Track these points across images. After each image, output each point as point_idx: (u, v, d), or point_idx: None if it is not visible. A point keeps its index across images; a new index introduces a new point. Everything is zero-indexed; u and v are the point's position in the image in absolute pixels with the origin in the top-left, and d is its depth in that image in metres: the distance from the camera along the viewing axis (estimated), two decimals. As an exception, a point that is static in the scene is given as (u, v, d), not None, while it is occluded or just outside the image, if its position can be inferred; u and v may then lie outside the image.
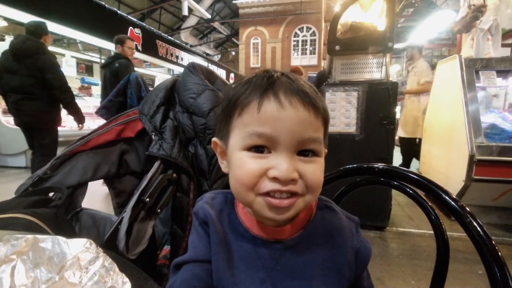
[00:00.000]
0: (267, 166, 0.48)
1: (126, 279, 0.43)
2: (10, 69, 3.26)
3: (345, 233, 0.56)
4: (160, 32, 11.31)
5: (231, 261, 0.54)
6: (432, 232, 0.78)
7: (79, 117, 3.62)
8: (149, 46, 9.47)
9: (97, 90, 10.50)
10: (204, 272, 0.54)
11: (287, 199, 0.48)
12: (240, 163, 0.51)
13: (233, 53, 25.48)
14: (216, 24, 20.77)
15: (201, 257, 0.55)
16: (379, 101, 2.73)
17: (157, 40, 10.10)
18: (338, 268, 0.54)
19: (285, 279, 0.52)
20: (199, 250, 0.56)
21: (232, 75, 17.69)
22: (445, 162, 3.48)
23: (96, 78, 13.53)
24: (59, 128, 6.09)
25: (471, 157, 2.79)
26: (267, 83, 0.50)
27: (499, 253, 0.57)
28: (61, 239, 0.45)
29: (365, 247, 0.57)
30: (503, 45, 3.81)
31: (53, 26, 5.96)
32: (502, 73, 3.25)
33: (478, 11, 3.37)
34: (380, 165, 0.82)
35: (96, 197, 1.26)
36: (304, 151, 0.50)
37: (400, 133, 5.04)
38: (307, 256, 0.54)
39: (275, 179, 0.47)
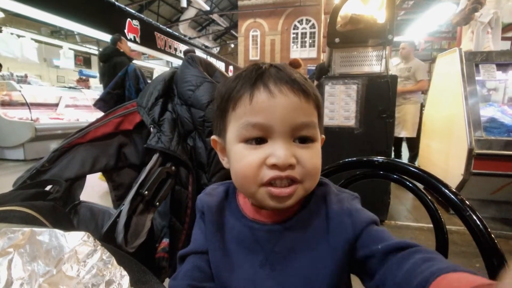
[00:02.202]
0: (264, 155, 0.49)
1: (125, 273, 0.43)
2: (101, 72, 4.26)
3: (334, 201, 0.55)
4: (158, 24, 11.22)
5: (228, 248, 0.56)
6: (430, 225, 0.78)
7: None
8: (148, 38, 9.39)
9: (95, 83, 10.45)
10: (204, 263, 0.57)
11: (288, 187, 0.49)
12: (238, 156, 0.52)
13: (232, 45, 25.35)
14: (215, 16, 20.60)
15: (201, 249, 0.58)
16: (379, 94, 2.72)
17: (155, 32, 10.02)
18: (332, 234, 0.52)
19: (284, 260, 0.53)
20: (199, 241, 0.59)
21: (231, 67, 17.62)
22: (444, 156, 3.48)
23: (94, 71, 13.45)
24: (57, 121, 6.11)
25: (470, 150, 2.79)
26: (256, 75, 0.51)
27: (498, 247, 0.57)
28: (58, 232, 0.45)
29: (363, 211, 0.54)
30: (503, 39, 3.79)
31: (50, 18, 5.93)
32: (502, 67, 3.24)
33: (477, 3, 3.34)
34: (379, 158, 0.82)
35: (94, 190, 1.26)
36: (299, 138, 0.51)
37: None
38: (305, 233, 0.54)
39: (274, 166, 0.48)
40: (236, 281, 0.53)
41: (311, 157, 0.51)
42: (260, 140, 0.50)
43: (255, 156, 0.50)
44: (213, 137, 0.60)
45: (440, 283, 0.37)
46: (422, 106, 4.75)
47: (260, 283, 0.52)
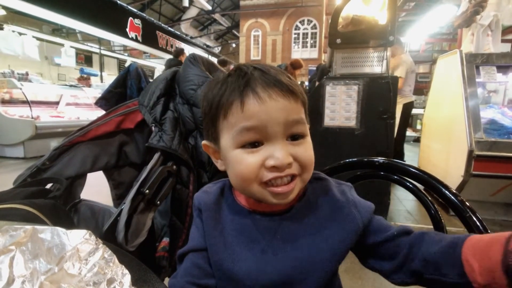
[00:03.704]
0: (263, 157, 0.51)
1: (126, 271, 0.43)
2: None
3: (335, 194, 0.59)
4: (160, 23, 11.22)
5: (229, 241, 0.57)
6: (430, 226, 0.78)
7: None
8: (149, 37, 9.40)
9: (96, 81, 10.45)
10: (202, 260, 0.59)
11: (288, 185, 0.52)
12: (237, 160, 0.53)
13: (234, 45, 25.34)
14: (216, 16, 20.58)
15: (198, 246, 0.60)
16: (380, 95, 2.72)
17: (157, 31, 10.02)
18: (340, 224, 0.56)
19: (285, 246, 0.55)
20: (196, 240, 0.60)
21: (232, 67, 17.59)
22: (444, 157, 3.48)
23: (95, 69, 13.46)
24: (58, 119, 6.11)
25: (470, 152, 2.79)
26: (243, 82, 0.52)
27: (498, 249, 0.57)
28: (60, 230, 0.45)
29: (364, 201, 0.59)
30: (503, 41, 3.78)
31: (52, 16, 5.93)
32: (502, 69, 3.24)
33: (478, 6, 3.34)
34: (380, 159, 0.82)
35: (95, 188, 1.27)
36: (292, 136, 0.53)
37: None
38: (305, 222, 0.57)
39: (273, 168, 0.51)
40: (239, 271, 0.54)
41: (305, 151, 0.54)
42: (256, 144, 0.52)
43: (254, 159, 0.52)
44: (204, 142, 0.62)
45: (472, 239, 0.46)
46: (411, 106, 4.63)
47: (262, 269, 0.54)
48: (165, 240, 1.09)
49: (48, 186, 1.01)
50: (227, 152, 0.55)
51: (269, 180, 0.51)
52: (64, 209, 0.97)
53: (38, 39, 8.58)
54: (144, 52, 13.20)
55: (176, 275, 0.58)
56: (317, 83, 4.25)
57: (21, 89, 5.63)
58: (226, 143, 0.55)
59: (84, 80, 9.28)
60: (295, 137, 0.53)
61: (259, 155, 0.51)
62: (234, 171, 0.54)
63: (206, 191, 0.65)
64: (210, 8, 17.52)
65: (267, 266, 0.54)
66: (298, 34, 19.44)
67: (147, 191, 0.89)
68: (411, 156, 5.29)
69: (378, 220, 0.58)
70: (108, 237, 0.83)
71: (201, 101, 0.60)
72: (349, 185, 0.62)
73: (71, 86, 7.38)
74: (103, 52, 12.06)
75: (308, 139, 0.56)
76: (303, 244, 0.54)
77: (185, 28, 19.78)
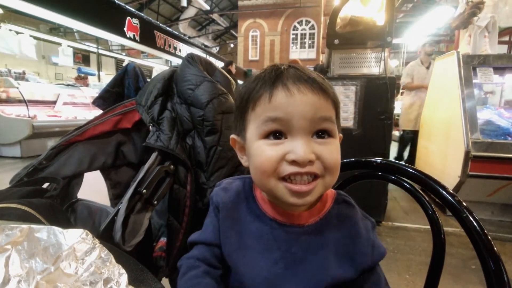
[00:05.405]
0: (284, 151, 0.51)
1: (123, 271, 0.43)
2: None
3: (360, 227, 0.58)
4: (158, 22, 11.19)
5: (245, 243, 0.58)
6: (427, 227, 0.78)
7: None
8: (147, 36, 9.36)
9: (93, 80, 10.41)
10: (209, 253, 0.60)
11: (307, 184, 0.51)
12: (258, 151, 0.53)
13: (232, 45, 25.34)
14: (215, 16, 20.56)
15: (208, 240, 0.61)
16: (377, 96, 2.73)
17: (155, 31, 9.98)
18: (353, 256, 0.56)
19: (297, 262, 0.55)
20: (207, 233, 0.62)
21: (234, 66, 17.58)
22: (441, 158, 3.50)
23: (93, 68, 13.41)
24: (55, 118, 6.09)
25: (467, 153, 2.81)
26: (275, 75, 0.52)
27: (495, 248, 0.57)
28: (56, 229, 0.45)
29: (380, 244, 0.59)
30: (500, 42, 3.83)
31: (49, 15, 5.90)
32: (499, 70, 3.26)
33: (476, 8, 3.37)
34: (378, 159, 0.83)
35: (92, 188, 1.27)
36: (318, 133, 0.52)
37: None
38: (322, 242, 0.56)
39: (293, 162, 0.50)
40: (250, 275, 0.55)
41: (331, 152, 0.53)
42: (279, 135, 0.52)
43: (275, 151, 0.51)
44: (232, 136, 0.62)
45: None
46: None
47: (273, 280, 0.54)
48: (162, 240, 1.08)
49: (45, 185, 1.00)
50: (251, 144, 0.55)
51: (288, 176, 0.50)
52: (61, 209, 0.97)
53: (35, 38, 8.52)
54: (142, 52, 13.15)
55: (187, 256, 0.61)
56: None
57: (18, 88, 5.61)
58: (251, 134, 0.55)
59: (82, 79, 9.26)
60: (321, 136, 0.53)
61: (280, 148, 0.51)
62: (255, 163, 0.54)
63: (226, 188, 0.64)
64: (208, 8, 17.53)
65: (276, 278, 0.54)
66: (296, 34, 19.45)
67: (145, 190, 0.89)
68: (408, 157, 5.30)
69: (380, 272, 0.59)
70: (105, 236, 0.82)
71: (235, 98, 0.61)
72: (373, 222, 0.62)
73: (68, 85, 7.37)
74: (101, 51, 12.01)
75: (336, 141, 0.55)
76: (314, 267, 0.54)
77: (183, 28, 19.76)
